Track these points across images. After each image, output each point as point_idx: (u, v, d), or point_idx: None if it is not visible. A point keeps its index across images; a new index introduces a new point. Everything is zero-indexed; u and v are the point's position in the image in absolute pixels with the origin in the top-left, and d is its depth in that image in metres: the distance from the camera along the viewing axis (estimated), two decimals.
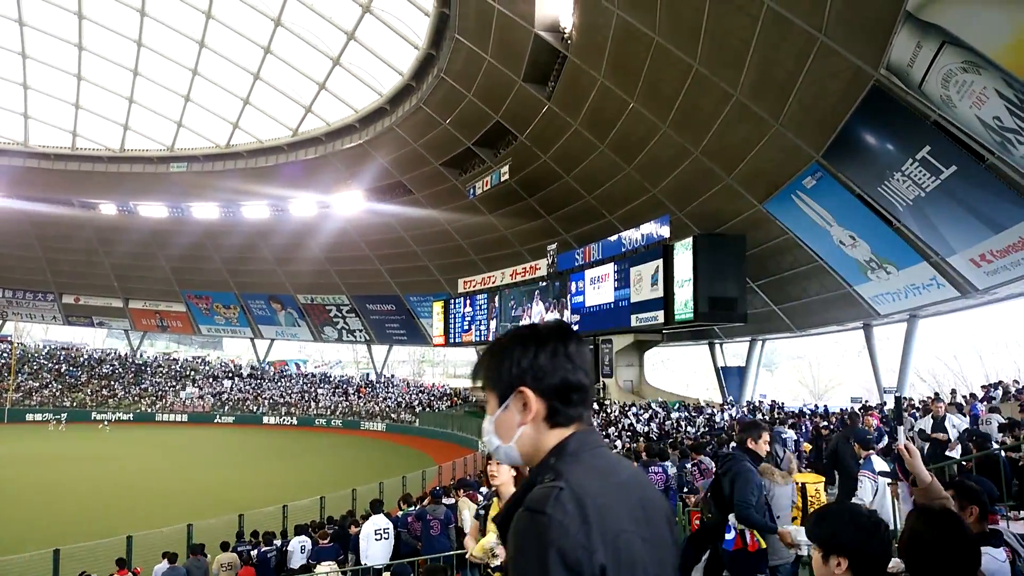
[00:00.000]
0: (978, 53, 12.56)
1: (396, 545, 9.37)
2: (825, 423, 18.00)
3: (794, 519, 5.80)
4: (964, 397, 18.97)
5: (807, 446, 13.87)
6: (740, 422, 17.92)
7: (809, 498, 6.18)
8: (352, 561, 10.19)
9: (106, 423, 46.06)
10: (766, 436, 5.20)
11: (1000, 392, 18.50)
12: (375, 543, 9.12)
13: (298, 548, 12.06)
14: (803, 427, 18.06)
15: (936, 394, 22.76)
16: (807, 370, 60.75)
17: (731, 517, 4.80)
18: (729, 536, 4.79)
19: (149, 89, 38.71)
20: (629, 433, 23.06)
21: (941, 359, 43.65)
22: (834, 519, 2.13)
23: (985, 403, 16.04)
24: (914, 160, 16.44)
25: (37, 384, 53.25)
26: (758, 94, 19.67)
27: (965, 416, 14.24)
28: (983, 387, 20.14)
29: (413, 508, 11.26)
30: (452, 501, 9.69)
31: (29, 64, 38.34)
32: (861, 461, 6.46)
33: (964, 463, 8.44)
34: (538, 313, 34.30)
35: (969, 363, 43.38)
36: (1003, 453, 7.53)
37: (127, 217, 48.49)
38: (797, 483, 6.05)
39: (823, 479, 6.52)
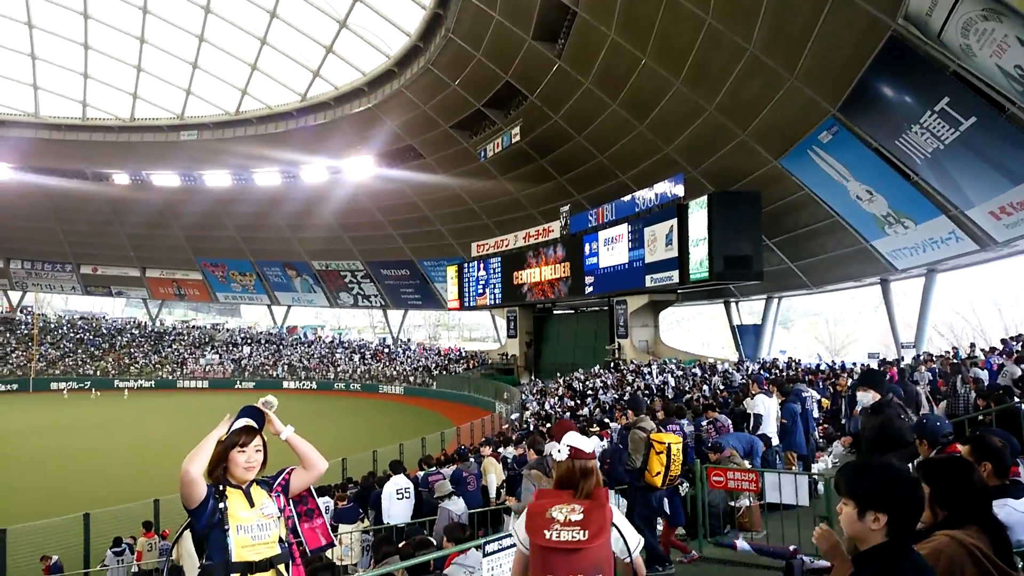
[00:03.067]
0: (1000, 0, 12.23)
1: (417, 504, 9.55)
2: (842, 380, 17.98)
3: (657, 474, 6.25)
4: (983, 351, 18.87)
5: (826, 402, 13.86)
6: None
7: (672, 457, 6.29)
8: (372, 519, 10.39)
9: (66, 391, 46.97)
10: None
11: (1020, 344, 18.35)
12: (397, 502, 9.30)
13: (322, 509, 12.32)
14: (818, 384, 18.04)
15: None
16: (823, 326, 60.58)
17: None
18: None
19: (157, 57, 38.47)
20: (646, 392, 23.17)
21: (959, 313, 43.37)
22: (874, 475, 2.11)
23: (1002, 357, 15.93)
24: (932, 112, 16.13)
25: (59, 353, 54.16)
26: (772, 47, 19.29)
27: (982, 370, 14.19)
28: (1002, 340, 19.99)
29: (433, 468, 11.44)
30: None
31: (36, 34, 38.14)
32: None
33: (982, 417, 8.44)
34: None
35: (988, 316, 43.08)
36: (1023, 406, 7.51)
37: (140, 186, 48.66)
38: (662, 442, 6.30)
39: (680, 440, 6.59)
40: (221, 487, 3.05)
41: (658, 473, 6.25)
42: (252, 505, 3.08)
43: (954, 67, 14.73)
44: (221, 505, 2.98)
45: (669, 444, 6.30)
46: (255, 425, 3.26)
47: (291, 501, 3.32)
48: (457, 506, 8.02)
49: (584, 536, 2.82)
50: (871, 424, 5.13)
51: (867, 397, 5.31)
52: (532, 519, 2.92)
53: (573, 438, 3.14)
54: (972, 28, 13.19)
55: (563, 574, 2.80)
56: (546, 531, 2.85)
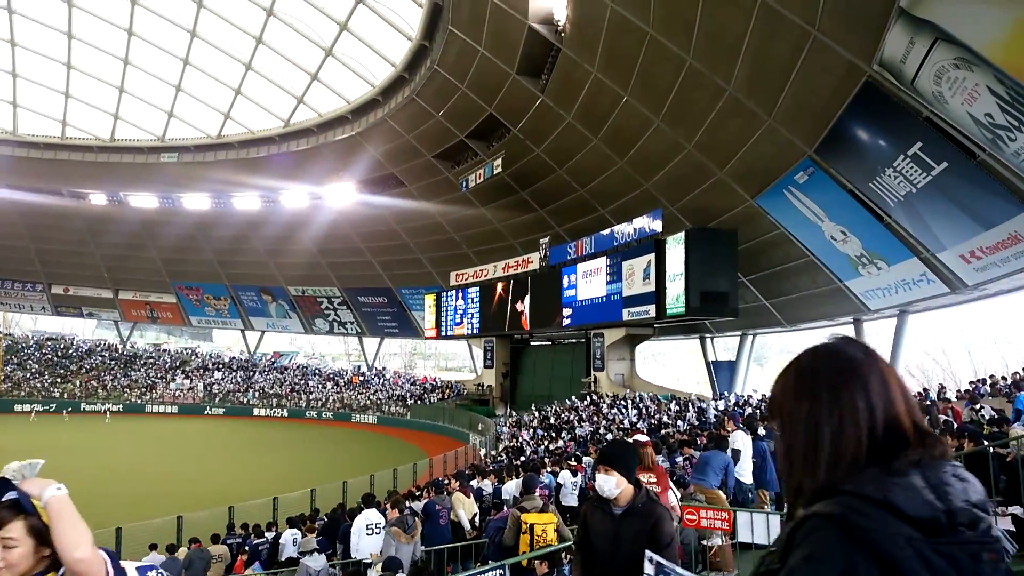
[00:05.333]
0: (970, 50, 12.59)
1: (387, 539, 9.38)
2: None
3: (523, 553, 6.13)
4: (957, 391, 19.10)
5: None
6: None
7: (536, 537, 6.19)
8: (340, 553, 10.17)
9: (33, 414, 45.87)
10: None
11: (988, 387, 18.61)
12: (367, 537, 9.10)
13: (290, 541, 12.05)
14: None
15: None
16: None
17: None
18: None
19: (140, 78, 38.40)
20: (622, 429, 23.11)
21: (930, 355, 43.90)
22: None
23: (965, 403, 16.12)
24: (906, 156, 16.48)
25: (26, 375, 52.97)
26: (751, 89, 19.67)
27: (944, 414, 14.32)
28: (971, 382, 20.25)
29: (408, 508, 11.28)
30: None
31: (18, 52, 37.95)
32: None
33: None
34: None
35: (958, 359, 43.65)
36: (991, 449, 7.57)
37: (117, 207, 48.17)
38: (526, 523, 6.23)
39: (554, 519, 6.51)
40: None
41: (523, 553, 6.14)
42: None
43: (927, 113, 15.09)
44: None
45: (532, 524, 6.24)
46: (14, 502, 2.05)
47: None
48: (317, 563, 7.99)
49: None
50: None
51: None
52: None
53: None
54: (944, 76, 13.55)
55: None
56: None
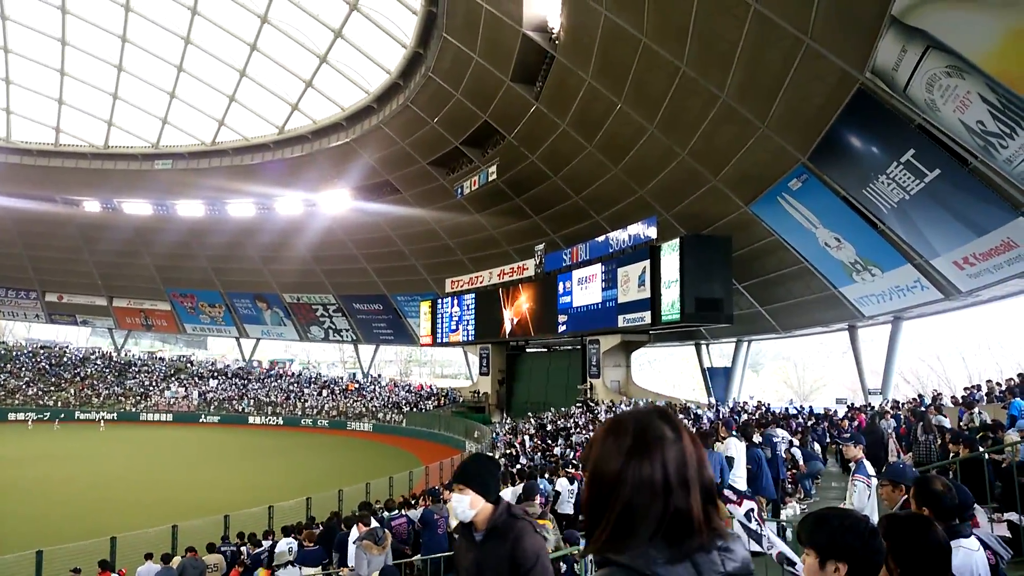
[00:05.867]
0: (962, 58, 12.67)
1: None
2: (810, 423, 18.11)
3: None
4: (952, 398, 19.14)
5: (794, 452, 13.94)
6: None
7: None
8: (336, 562, 10.12)
9: (30, 422, 45.62)
10: None
11: (983, 394, 18.65)
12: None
13: (285, 549, 11.98)
14: (792, 427, 18.14)
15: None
16: (792, 371, 61.06)
17: None
18: None
19: (134, 85, 38.37)
20: None
21: (925, 361, 44.02)
22: (832, 524, 2.11)
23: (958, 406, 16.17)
24: (899, 163, 16.56)
25: (20, 383, 52.69)
26: (745, 96, 19.75)
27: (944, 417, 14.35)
28: (965, 388, 20.31)
29: (397, 512, 11.22)
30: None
31: (11, 59, 37.89)
32: (853, 465, 6.53)
33: (948, 466, 8.50)
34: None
35: (952, 365, 43.78)
36: (987, 455, 7.59)
37: (111, 214, 48.04)
38: None
39: (551, 526, 6.53)
40: None
41: None
42: None
43: (919, 120, 15.18)
44: None
45: None
46: None
47: None
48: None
49: None
50: None
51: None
52: None
53: None
54: (936, 84, 13.64)
55: None
56: None
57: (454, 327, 40.15)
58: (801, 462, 12.80)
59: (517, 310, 35.11)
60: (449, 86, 28.83)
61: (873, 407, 21.15)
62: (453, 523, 9.57)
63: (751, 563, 1.33)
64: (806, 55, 16.69)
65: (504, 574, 2.67)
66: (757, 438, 10.37)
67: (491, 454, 24.59)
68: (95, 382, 54.32)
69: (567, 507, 11.98)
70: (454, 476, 2.97)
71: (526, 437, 25.86)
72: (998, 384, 18.65)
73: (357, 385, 52.47)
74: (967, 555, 3.08)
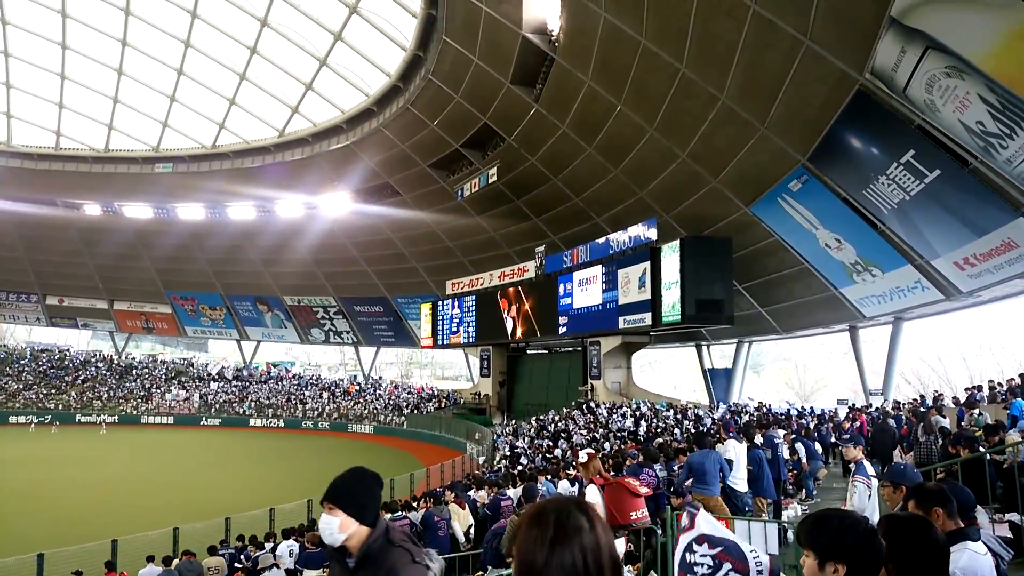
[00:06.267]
0: (962, 59, 12.67)
1: None
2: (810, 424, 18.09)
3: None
4: (953, 398, 19.12)
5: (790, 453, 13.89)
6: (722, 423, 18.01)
7: None
8: None
9: (32, 425, 45.64)
10: None
11: (984, 393, 18.64)
12: None
13: (287, 552, 11.98)
14: (792, 427, 18.12)
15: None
16: (793, 372, 61.03)
17: None
18: None
19: (134, 89, 38.43)
20: (619, 435, 23.09)
21: (926, 361, 43.99)
22: (831, 525, 2.11)
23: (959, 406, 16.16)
24: (899, 164, 16.56)
25: (20, 386, 52.70)
26: (744, 98, 19.76)
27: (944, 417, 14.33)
28: (967, 389, 20.29)
29: (398, 514, 11.21)
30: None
31: (12, 63, 37.95)
32: (852, 466, 6.52)
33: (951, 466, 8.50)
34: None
35: (953, 365, 43.75)
36: (988, 456, 7.58)
37: (112, 218, 48.08)
38: None
39: None
40: None
41: None
42: None
43: (919, 121, 15.17)
44: None
45: None
46: None
47: None
48: None
49: None
50: None
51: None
52: None
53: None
54: (936, 84, 13.64)
55: None
56: None
57: (455, 329, 40.14)
58: (804, 460, 12.74)
59: (518, 312, 35.11)
60: (449, 88, 28.86)
61: (874, 407, 21.14)
62: (456, 527, 9.59)
63: None
64: (805, 56, 16.70)
65: None
66: (759, 439, 10.35)
67: (494, 456, 24.56)
68: (96, 385, 54.34)
69: None
70: (325, 493, 2.62)
71: (524, 439, 25.88)
72: (999, 384, 18.64)
73: (358, 387, 52.46)
74: (972, 557, 3.06)
